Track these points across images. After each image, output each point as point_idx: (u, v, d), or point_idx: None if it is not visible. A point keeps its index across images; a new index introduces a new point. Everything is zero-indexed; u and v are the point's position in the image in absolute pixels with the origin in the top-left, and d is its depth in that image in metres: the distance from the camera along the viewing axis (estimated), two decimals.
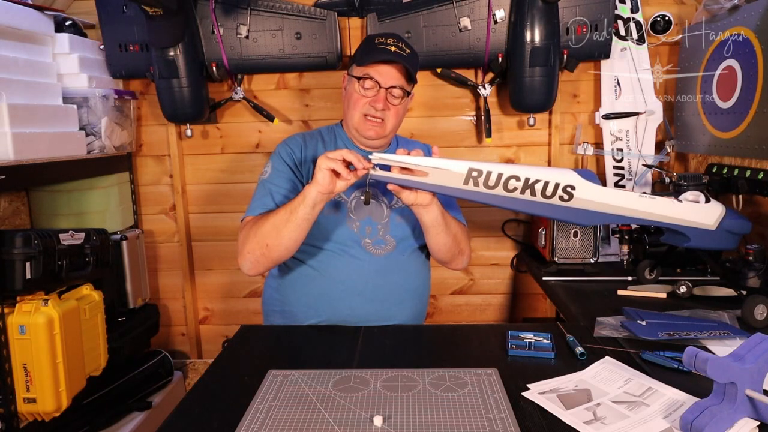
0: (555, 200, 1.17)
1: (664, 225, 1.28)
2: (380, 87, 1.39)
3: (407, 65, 1.38)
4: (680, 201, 1.29)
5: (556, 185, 1.16)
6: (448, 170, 1.16)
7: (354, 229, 1.42)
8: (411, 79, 1.44)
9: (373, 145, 1.48)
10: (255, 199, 1.43)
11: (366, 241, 1.42)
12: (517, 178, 1.15)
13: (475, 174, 1.15)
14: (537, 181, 1.16)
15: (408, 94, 1.44)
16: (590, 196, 1.18)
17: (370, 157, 1.17)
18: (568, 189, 1.17)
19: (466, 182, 1.16)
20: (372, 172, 1.17)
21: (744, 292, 1.40)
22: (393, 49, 1.37)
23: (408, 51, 1.40)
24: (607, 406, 0.91)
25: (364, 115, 1.42)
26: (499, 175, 1.15)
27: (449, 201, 1.54)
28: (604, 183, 2.19)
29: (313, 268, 1.43)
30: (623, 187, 2.17)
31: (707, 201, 1.33)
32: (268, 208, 1.37)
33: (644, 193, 1.73)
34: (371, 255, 1.42)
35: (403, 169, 1.18)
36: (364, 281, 1.40)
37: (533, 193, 1.16)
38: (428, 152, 1.57)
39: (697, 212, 1.30)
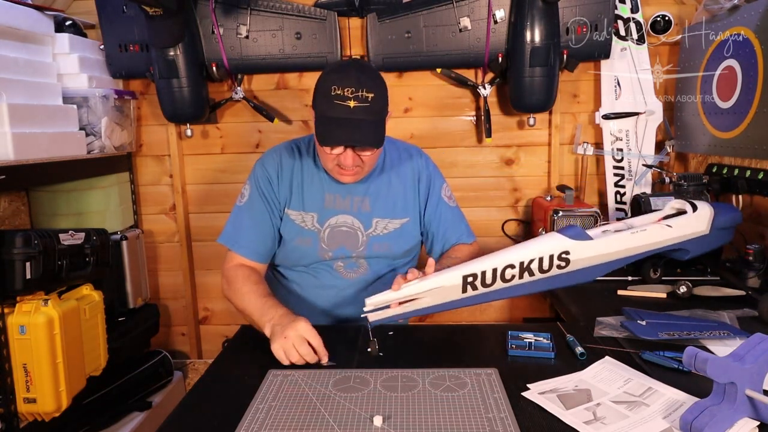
0: (554, 271, 1.14)
1: (663, 250, 1.27)
2: (345, 148, 1.26)
3: (365, 135, 1.24)
4: (670, 226, 1.27)
5: (551, 257, 1.13)
6: (443, 286, 1.12)
7: (326, 258, 1.40)
8: (378, 133, 1.28)
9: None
10: (234, 227, 1.41)
11: (338, 264, 1.41)
12: (512, 266, 1.12)
13: (470, 279, 1.12)
14: (532, 261, 1.12)
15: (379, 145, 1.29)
16: (586, 253, 1.15)
17: (363, 315, 1.12)
18: (563, 255, 1.14)
19: (464, 290, 1.12)
20: (370, 317, 1.13)
21: (750, 292, 1.40)
22: (352, 104, 1.21)
23: (371, 96, 1.22)
24: (607, 406, 0.91)
25: (337, 164, 1.31)
26: (494, 271, 1.12)
27: (456, 214, 1.50)
28: (604, 184, 2.20)
29: (289, 284, 1.45)
30: (623, 187, 2.17)
31: (694, 208, 1.33)
32: (247, 249, 1.38)
33: (644, 193, 1.74)
34: (342, 278, 1.41)
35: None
36: (334, 302, 1.42)
37: (531, 273, 1.13)
38: (418, 153, 1.50)
39: (689, 224, 1.29)
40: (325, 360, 1.10)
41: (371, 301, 1.11)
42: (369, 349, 1.16)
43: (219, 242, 1.42)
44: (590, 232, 1.20)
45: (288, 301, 1.39)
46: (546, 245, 1.14)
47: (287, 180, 1.40)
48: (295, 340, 1.09)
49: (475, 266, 1.12)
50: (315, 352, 1.10)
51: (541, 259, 1.13)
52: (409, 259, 1.49)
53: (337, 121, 1.22)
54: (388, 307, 1.12)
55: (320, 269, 1.41)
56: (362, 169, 1.33)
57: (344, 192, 1.40)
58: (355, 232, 1.40)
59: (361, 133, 1.23)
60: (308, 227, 1.39)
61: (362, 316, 1.13)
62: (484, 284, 1.12)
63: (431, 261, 1.19)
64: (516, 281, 1.13)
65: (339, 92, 1.21)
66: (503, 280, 1.12)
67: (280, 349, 1.09)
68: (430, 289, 1.11)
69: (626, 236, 1.21)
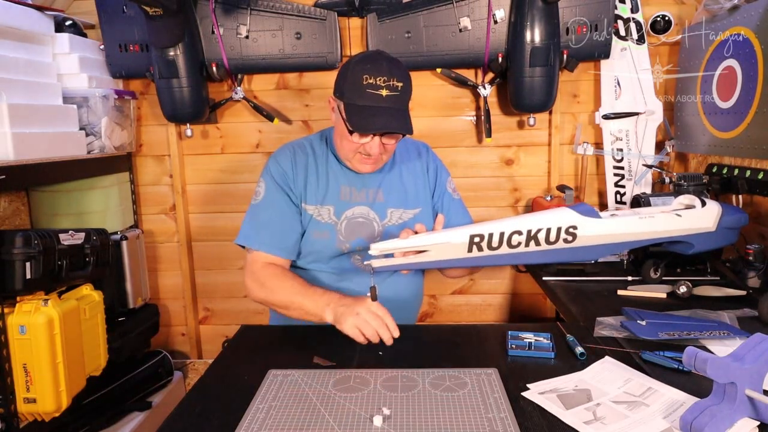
0: (560, 244, 1.15)
1: (667, 240, 1.28)
2: (374, 135, 1.29)
3: (400, 122, 1.27)
4: (679, 215, 1.27)
5: (559, 229, 1.15)
6: (449, 242, 1.13)
7: (344, 250, 1.40)
8: (408, 122, 1.31)
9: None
10: (252, 225, 1.38)
11: (356, 257, 1.41)
12: (520, 233, 1.13)
13: (477, 239, 1.13)
14: (539, 230, 1.14)
15: (404, 135, 1.33)
16: (593, 231, 1.17)
17: (369, 251, 1.15)
18: (571, 230, 1.15)
19: (470, 250, 1.14)
20: (374, 264, 1.15)
21: (751, 291, 1.40)
22: (384, 93, 1.24)
23: (400, 85, 1.26)
24: (607, 406, 0.91)
25: (359, 153, 1.33)
26: (501, 234, 1.13)
27: (459, 206, 1.52)
28: (604, 184, 2.20)
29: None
30: (623, 187, 2.17)
31: (703, 204, 1.33)
32: (269, 245, 1.35)
33: (644, 193, 1.74)
34: (359, 270, 1.41)
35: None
36: (353, 296, 1.41)
37: (537, 243, 1.15)
38: (425, 148, 1.55)
39: (697, 219, 1.30)
40: (396, 334, 1.13)
41: (377, 247, 1.13)
42: (369, 294, 1.18)
43: (237, 243, 1.39)
44: (600, 213, 1.21)
45: None
46: (555, 217, 1.16)
47: (302, 174, 1.41)
48: (367, 316, 1.12)
49: (484, 228, 1.14)
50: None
51: (548, 230, 1.14)
52: None
53: (371, 110, 1.25)
54: (392, 255, 1.15)
55: (338, 264, 1.41)
56: (382, 159, 1.36)
57: (359, 184, 1.42)
58: (371, 223, 1.41)
59: (397, 120, 1.27)
60: (325, 220, 1.40)
61: (365, 263, 1.15)
62: (490, 246, 1.14)
63: (440, 218, 1.22)
64: (521, 248, 1.14)
65: (371, 81, 1.24)
66: (509, 245, 1.14)
67: (353, 327, 1.12)
68: (437, 244, 1.13)
69: (634, 220, 1.22)
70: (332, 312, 1.17)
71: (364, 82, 1.24)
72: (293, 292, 1.27)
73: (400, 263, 1.16)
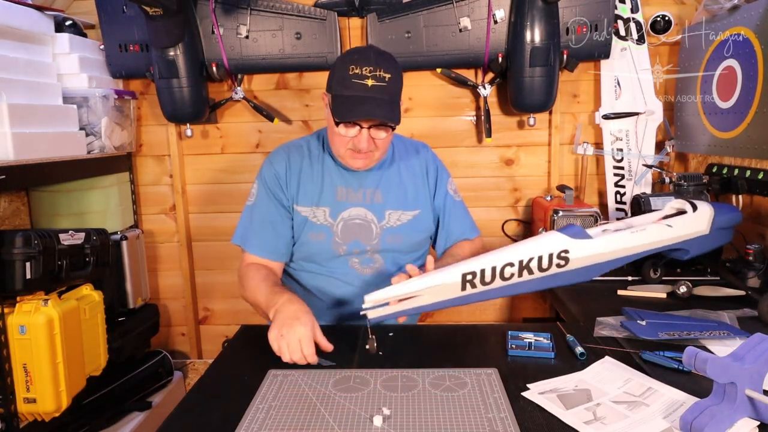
0: (553, 270, 1.14)
1: (662, 249, 1.27)
2: (362, 127, 1.27)
3: (385, 111, 1.25)
4: (670, 226, 1.26)
5: (551, 256, 1.13)
6: (442, 284, 1.11)
7: (341, 252, 1.39)
8: (395, 112, 1.29)
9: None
10: (245, 226, 1.41)
11: (353, 260, 1.40)
12: (512, 264, 1.12)
13: (469, 277, 1.11)
14: (531, 259, 1.12)
15: (393, 128, 1.31)
16: (585, 252, 1.15)
17: (363, 306, 1.11)
18: (562, 254, 1.14)
19: (463, 288, 1.12)
20: (369, 315, 1.13)
21: (750, 292, 1.40)
22: (370, 82, 1.22)
23: (388, 76, 1.24)
24: (607, 406, 0.91)
25: (350, 148, 1.32)
26: (493, 269, 1.12)
27: (460, 208, 1.51)
28: (604, 184, 2.20)
29: (302, 285, 1.44)
30: (623, 187, 2.17)
31: (694, 208, 1.32)
32: (260, 248, 1.37)
33: (644, 193, 1.74)
34: (357, 274, 1.40)
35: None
36: (350, 300, 1.40)
37: (530, 272, 1.13)
38: (425, 148, 1.54)
39: (689, 224, 1.29)
40: (314, 361, 1.07)
41: (370, 298, 1.10)
42: (367, 347, 1.15)
43: (233, 243, 1.42)
44: (590, 231, 1.19)
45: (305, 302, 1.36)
46: (545, 244, 1.14)
47: (296, 176, 1.40)
48: (289, 338, 1.06)
49: (475, 264, 1.11)
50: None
51: (540, 258, 1.13)
52: (421, 253, 1.49)
53: (354, 98, 1.24)
54: (387, 304, 1.12)
55: (335, 267, 1.40)
56: (374, 155, 1.34)
57: (356, 185, 1.41)
58: (368, 224, 1.40)
59: (381, 108, 1.24)
60: (320, 222, 1.38)
61: (361, 313, 1.12)
62: (483, 282, 1.12)
63: (430, 258, 1.20)
64: (515, 279, 1.13)
65: (357, 71, 1.23)
66: (502, 278, 1.12)
67: (274, 342, 1.07)
68: (430, 287, 1.11)
69: (626, 236, 1.21)
70: (273, 316, 1.13)
71: (350, 72, 1.23)
72: (257, 290, 1.27)
73: (396, 311, 1.13)
